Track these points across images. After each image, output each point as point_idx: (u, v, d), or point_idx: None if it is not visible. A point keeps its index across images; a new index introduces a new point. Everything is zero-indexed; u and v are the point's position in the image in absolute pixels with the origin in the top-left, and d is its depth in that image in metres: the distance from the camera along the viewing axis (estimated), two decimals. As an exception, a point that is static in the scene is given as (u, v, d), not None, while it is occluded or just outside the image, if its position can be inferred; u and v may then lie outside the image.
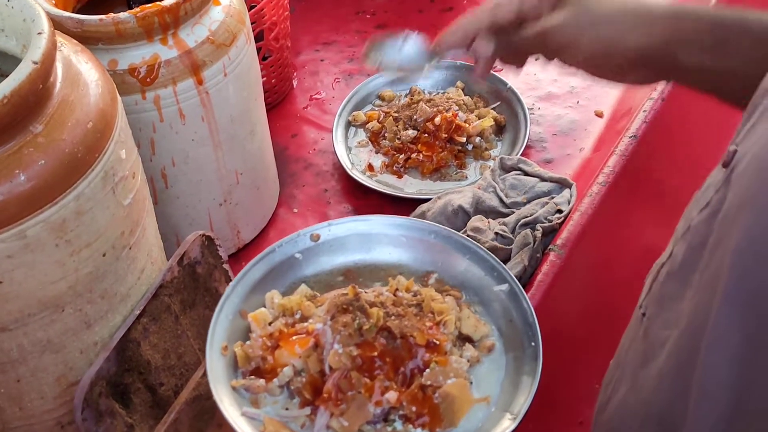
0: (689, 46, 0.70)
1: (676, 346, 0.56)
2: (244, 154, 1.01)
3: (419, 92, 1.24)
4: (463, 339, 0.71)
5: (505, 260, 0.95)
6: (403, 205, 1.08)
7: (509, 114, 1.20)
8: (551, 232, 0.96)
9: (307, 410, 0.67)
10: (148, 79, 0.88)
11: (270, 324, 0.73)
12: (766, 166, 0.48)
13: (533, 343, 0.68)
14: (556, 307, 0.90)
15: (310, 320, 0.71)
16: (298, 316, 0.73)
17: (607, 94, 1.24)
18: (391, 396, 0.66)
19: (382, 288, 0.74)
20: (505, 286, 0.73)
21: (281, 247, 0.78)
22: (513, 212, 1.02)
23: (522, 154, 1.13)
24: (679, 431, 0.54)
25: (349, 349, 0.67)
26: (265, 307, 0.75)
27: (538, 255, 0.93)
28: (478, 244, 0.75)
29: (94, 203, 0.72)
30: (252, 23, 1.13)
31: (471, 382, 0.67)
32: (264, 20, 1.17)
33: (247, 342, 0.72)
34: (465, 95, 1.24)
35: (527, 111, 1.19)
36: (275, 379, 0.69)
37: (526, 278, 0.91)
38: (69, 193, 0.69)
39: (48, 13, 0.74)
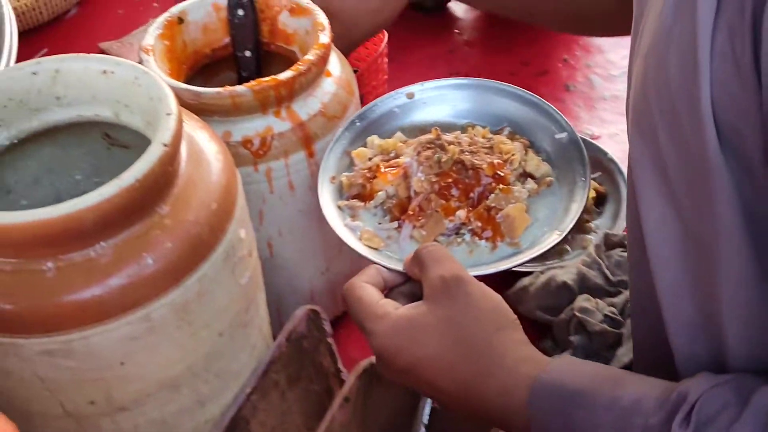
0: None
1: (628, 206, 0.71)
2: (348, 223, 1.00)
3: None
4: (526, 176, 0.85)
5: (616, 345, 0.93)
6: (504, 276, 1.05)
7: (610, 185, 1.18)
8: (663, 315, 0.93)
9: (395, 224, 0.82)
10: (260, 152, 0.88)
11: (369, 160, 0.88)
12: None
13: (584, 179, 0.82)
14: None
15: (402, 157, 0.86)
16: (392, 155, 0.87)
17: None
18: (461, 213, 0.81)
19: (462, 134, 0.88)
20: (564, 135, 0.86)
21: (381, 102, 0.93)
22: (619, 291, 1.00)
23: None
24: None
25: (430, 176, 0.82)
26: (366, 147, 0.90)
27: (651, 340, 0.91)
28: (547, 103, 0.90)
29: (216, 284, 0.72)
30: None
31: (527, 208, 0.82)
32: (364, 84, 1.17)
33: (351, 173, 0.88)
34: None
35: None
36: (371, 201, 0.84)
37: (639, 364, 0.88)
38: (193, 274, 0.69)
39: (169, 86, 0.74)
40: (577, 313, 0.95)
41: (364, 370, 0.88)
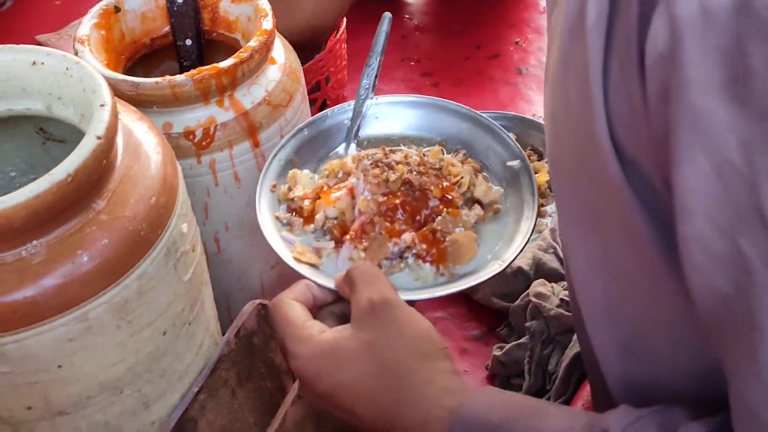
0: None
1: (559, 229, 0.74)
2: (297, 215, 0.98)
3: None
4: (474, 201, 0.82)
5: (572, 329, 0.91)
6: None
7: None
8: (619, 299, 0.92)
9: (333, 244, 0.78)
10: (203, 143, 0.85)
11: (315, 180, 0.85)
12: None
13: (533, 210, 0.80)
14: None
15: (350, 178, 0.81)
16: (340, 176, 0.83)
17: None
18: (407, 236, 0.77)
19: (412, 151, 0.86)
20: (516, 162, 0.84)
21: (332, 113, 0.89)
22: (575, 275, 0.99)
23: (579, 211, 1.10)
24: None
25: (376, 196, 0.78)
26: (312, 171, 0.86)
27: (607, 324, 0.89)
28: (502, 129, 0.87)
29: (157, 282, 0.69)
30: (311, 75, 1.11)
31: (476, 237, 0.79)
32: (322, 71, 1.14)
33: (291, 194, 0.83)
34: (517, 148, 1.20)
35: (583, 165, 1.15)
36: (312, 225, 0.80)
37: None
38: (132, 272, 0.66)
39: (105, 78, 0.71)
40: (533, 299, 0.94)
41: (317, 364, 0.86)
